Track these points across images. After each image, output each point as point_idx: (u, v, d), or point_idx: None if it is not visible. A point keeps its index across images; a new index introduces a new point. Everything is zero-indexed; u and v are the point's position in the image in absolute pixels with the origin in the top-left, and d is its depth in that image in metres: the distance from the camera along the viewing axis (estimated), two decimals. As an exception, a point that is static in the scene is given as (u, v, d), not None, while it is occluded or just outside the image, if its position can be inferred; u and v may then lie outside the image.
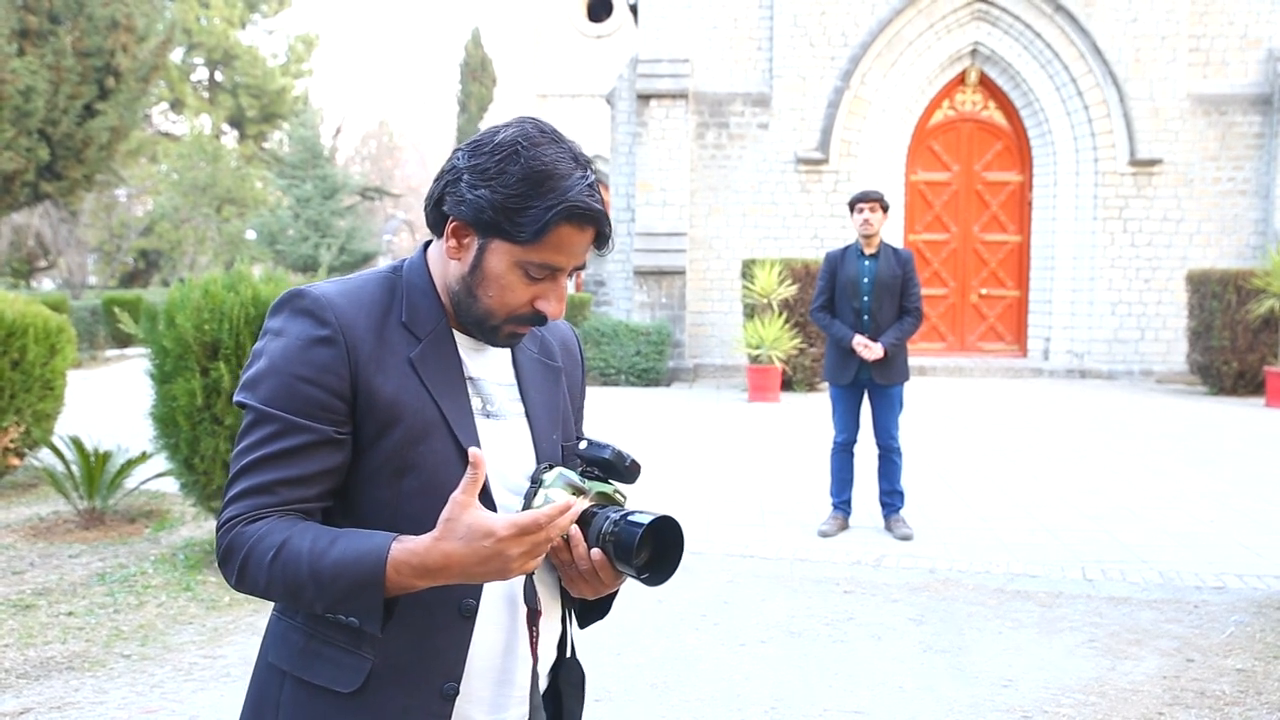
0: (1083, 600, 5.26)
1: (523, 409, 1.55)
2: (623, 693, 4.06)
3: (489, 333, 1.48)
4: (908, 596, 5.29)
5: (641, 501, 1.47)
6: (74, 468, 6.47)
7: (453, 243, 1.46)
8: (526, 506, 1.42)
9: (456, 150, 1.47)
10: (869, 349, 6.17)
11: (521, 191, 1.38)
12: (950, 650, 4.56)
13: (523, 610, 1.49)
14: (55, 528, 6.44)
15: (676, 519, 1.40)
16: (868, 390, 6.37)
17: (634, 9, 17.26)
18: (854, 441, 6.45)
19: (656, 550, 1.40)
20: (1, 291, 7.72)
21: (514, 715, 1.50)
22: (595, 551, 1.40)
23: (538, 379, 1.59)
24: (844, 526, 6.51)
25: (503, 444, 1.50)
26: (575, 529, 1.41)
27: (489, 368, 1.54)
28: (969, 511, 7.11)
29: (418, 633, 1.41)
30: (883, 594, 5.33)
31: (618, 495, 1.47)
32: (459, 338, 1.51)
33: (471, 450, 1.29)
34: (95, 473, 6.41)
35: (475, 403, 1.49)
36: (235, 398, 1.45)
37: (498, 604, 1.47)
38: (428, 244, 1.56)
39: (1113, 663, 4.43)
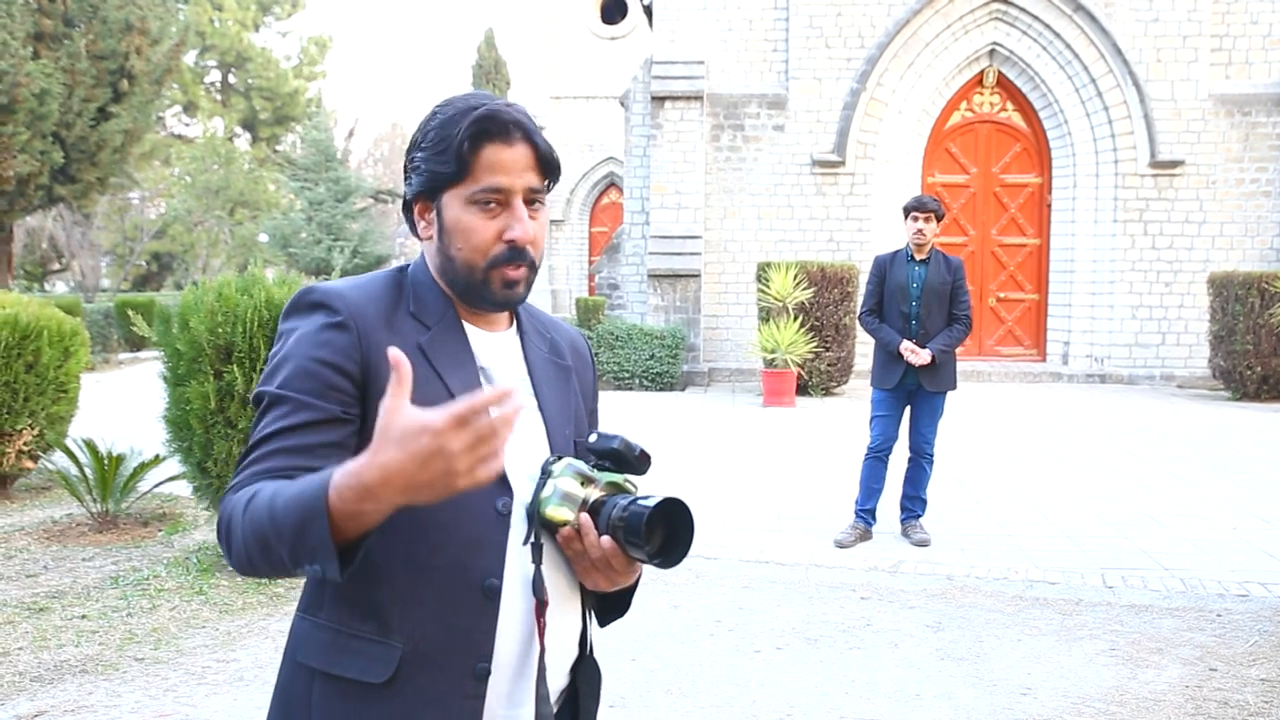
0: (1103, 608, 5.19)
1: (536, 403, 1.55)
2: (637, 699, 4.02)
3: (481, 288, 1.48)
4: (925, 603, 5.23)
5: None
6: (87, 471, 6.46)
7: (423, 224, 1.51)
8: (536, 498, 1.43)
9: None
10: (916, 354, 6.11)
11: (440, 136, 1.44)
12: (968, 658, 4.50)
13: (563, 625, 1.49)
14: (69, 531, 6.44)
15: (684, 500, 1.38)
16: (912, 396, 6.30)
17: (649, 11, 17.24)
18: (889, 450, 6.34)
19: (668, 534, 1.39)
20: (16, 294, 7.73)
21: (530, 711, 1.48)
22: (605, 539, 1.39)
23: (549, 376, 1.60)
24: (865, 537, 6.38)
25: (518, 434, 1.46)
26: (585, 517, 1.41)
27: (500, 360, 1.55)
28: (987, 517, 7.05)
29: (443, 615, 1.40)
30: (900, 600, 5.28)
31: (628, 485, 1.46)
32: (469, 329, 1.52)
33: (391, 350, 1.20)
34: (109, 476, 6.40)
35: (485, 387, 1.48)
36: (258, 388, 1.46)
37: (520, 592, 1.45)
38: None
39: (1133, 671, 4.36)
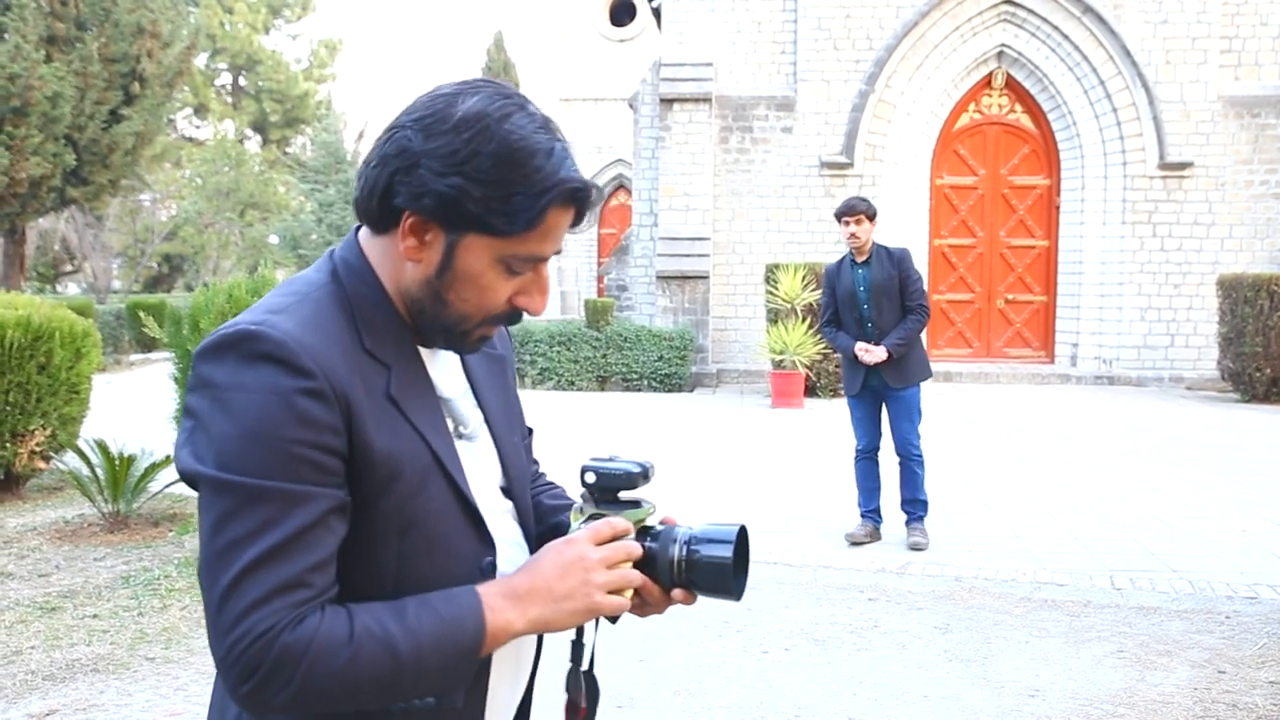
0: (1111, 610, 5.19)
1: (482, 416, 1.37)
2: (645, 700, 4.03)
3: (459, 339, 1.27)
4: (933, 604, 5.24)
5: (665, 509, 1.38)
6: (99, 471, 6.49)
7: (411, 241, 1.20)
8: None
9: (399, 128, 1.20)
10: (870, 353, 6.13)
11: (502, 176, 1.16)
12: (976, 659, 4.50)
13: (527, 675, 1.39)
14: (80, 531, 6.47)
15: (744, 527, 1.28)
16: (883, 396, 6.31)
17: (657, 13, 17.26)
18: (875, 448, 6.37)
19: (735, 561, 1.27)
20: (28, 296, 7.77)
21: None
22: (677, 591, 1.28)
23: (488, 378, 1.41)
24: (875, 535, 6.40)
25: (478, 465, 1.32)
26: (644, 580, 1.27)
27: (450, 380, 1.34)
28: (995, 519, 7.04)
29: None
30: (907, 602, 5.28)
31: (647, 507, 1.30)
32: (421, 352, 1.29)
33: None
34: (120, 476, 6.43)
35: (449, 425, 1.29)
36: (194, 468, 1.13)
37: (510, 661, 1.33)
38: (358, 229, 1.29)
39: (1142, 673, 4.36)
